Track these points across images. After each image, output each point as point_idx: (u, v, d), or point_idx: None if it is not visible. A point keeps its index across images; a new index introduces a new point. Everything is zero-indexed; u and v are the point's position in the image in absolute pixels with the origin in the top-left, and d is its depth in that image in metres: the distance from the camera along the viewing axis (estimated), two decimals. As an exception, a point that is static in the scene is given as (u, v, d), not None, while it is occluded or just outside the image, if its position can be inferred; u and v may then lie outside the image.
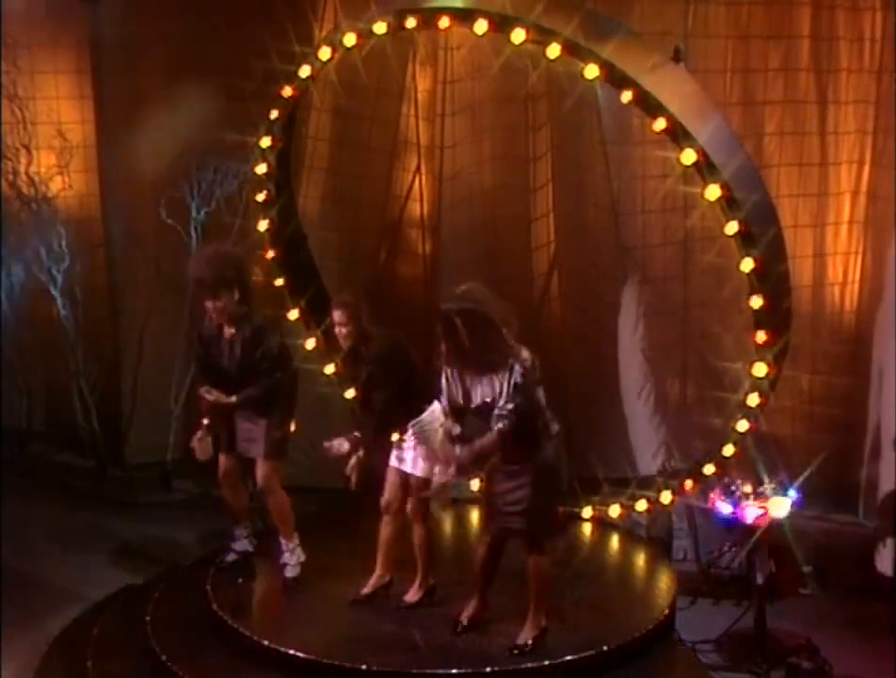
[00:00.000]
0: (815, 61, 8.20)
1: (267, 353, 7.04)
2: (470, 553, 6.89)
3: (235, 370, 7.08)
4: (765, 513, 7.08)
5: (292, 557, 7.29)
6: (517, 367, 6.12)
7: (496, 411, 6.13)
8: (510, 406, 6.10)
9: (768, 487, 7.14)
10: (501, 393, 6.14)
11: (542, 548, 6.45)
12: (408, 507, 6.89)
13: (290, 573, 7.28)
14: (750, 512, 7.10)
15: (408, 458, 6.86)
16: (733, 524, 7.30)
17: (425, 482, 6.76)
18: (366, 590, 7.00)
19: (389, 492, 6.95)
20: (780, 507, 7.10)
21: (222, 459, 7.33)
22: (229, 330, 7.10)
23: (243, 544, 7.54)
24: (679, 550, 8.27)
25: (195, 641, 6.87)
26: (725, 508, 7.23)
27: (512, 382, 6.11)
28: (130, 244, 9.69)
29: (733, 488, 7.22)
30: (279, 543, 7.33)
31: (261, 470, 7.20)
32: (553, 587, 6.64)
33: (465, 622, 6.66)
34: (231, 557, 7.51)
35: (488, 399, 6.18)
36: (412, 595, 6.95)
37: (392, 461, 6.94)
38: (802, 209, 8.36)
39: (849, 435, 8.35)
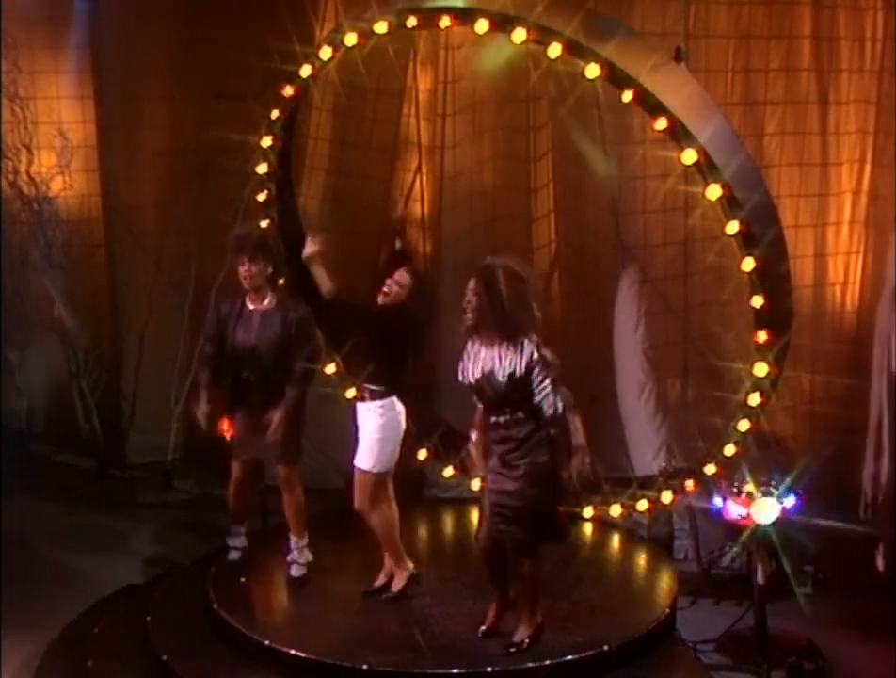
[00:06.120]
0: (816, 61, 8.18)
1: (311, 353, 7.11)
2: (470, 551, 6.87)
3: (263, 348, 7.06)
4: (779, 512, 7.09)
5: (300, 556, 7.25)
6: (526, 343, 6.13)
7: (538, 391, 6.10)
8: (546, 382, 6.10)
9: (779, 486, 7.16)
10: (502, 365, 6.11)
11: (536, 552, 6.35)
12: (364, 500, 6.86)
13: (295, 572, 7.24)
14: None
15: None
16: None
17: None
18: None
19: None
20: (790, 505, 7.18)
21: (236, 467, 7.33)
22: (255, 305, 7.11)
23: (241, 541, 7.53)
24: (680, 550, 8.29)
25: (195, 641, 6.86)
26: (735, 509, 7.23)
27: (525, 356, 6.10)
28: (130, 244, 9.70)
29: (736, 488, 7.23)
30: (288, 541, 7.29)
31: (283, 469, 7.21)
32: (549, 586, 6.61)
33: (485, 629, 6.56)
34: (234, 556, 7.49)
35: (487, 370, 6.15)
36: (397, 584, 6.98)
37: None
38: (803, 209, 8.35)
39: (849, 435, 8.34)
